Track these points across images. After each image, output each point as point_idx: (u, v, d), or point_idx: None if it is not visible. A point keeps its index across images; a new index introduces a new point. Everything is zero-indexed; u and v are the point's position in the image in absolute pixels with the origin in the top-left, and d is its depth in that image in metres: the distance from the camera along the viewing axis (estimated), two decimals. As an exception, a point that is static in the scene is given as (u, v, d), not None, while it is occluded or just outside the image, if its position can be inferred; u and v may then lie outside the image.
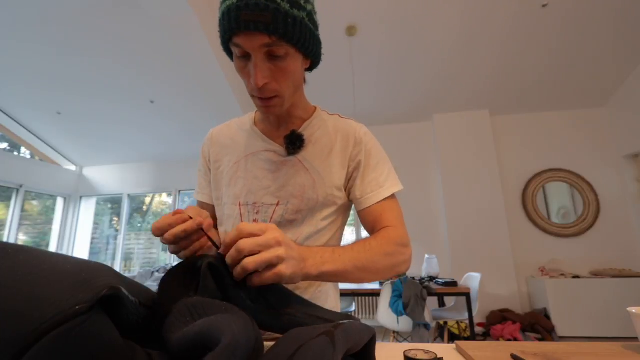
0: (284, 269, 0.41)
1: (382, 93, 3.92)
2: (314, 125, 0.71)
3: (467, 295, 2.46)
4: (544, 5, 2.86)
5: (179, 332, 0.29)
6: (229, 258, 0.40)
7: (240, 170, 0.69)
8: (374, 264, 0.57)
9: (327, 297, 0.71)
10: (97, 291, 0.24)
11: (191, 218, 0.47)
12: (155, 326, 0.32)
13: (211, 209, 0.76)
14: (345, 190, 0.70)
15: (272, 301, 0.42)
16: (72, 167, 5.39)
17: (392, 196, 0.69)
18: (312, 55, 0.60)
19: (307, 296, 0.66)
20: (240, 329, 0.29)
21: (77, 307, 0.22)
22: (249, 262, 0.39)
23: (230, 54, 0.59)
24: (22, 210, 4.59)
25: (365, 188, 0.67)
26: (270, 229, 0.43)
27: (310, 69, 0.66)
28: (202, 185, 0.77)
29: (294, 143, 0.66)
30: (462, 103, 4.04)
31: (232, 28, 0.51)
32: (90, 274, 0.26)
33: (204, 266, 0.39)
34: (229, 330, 0.27)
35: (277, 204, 0.66)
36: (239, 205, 0.68)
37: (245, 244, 0.40)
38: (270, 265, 0.41)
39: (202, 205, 0.78)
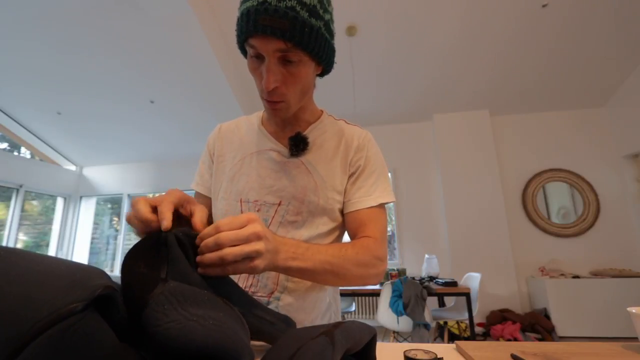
0: (259, 262, 0.42)
1: (382, 93, 3.92)
2: (320, 129, 0.72)
3: (467, 295, 2.47)
4: (544, 6, 2.86)
5: (173, 330, 0.28)
6: (204, 247, 0.40)
7: (244, 167, 0.70)
8: (344, 271, 0.56)
9: (325, 297, 0.71)
10: (92, 290, 0.24)
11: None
12: (131, 319, 0.30)
13: (208, 202, 0.75)
14: (344, 196, 0.70)
15: (222, 295, 0.42)
16: (72, 167, 5.39)
17: (380, 207, 0.68)
18: (325, 62, 0.62)
19: (309, 299, 0.66)
20: (248, 343, 0.29)
21: (72, 306, 0.22)
22: (228, 254, 0.39)
23: (245, 52, 0.60)
24: (22, 210, 4.59)
25: (354, 193, 0.67)
26: (252, 221, 0.42)
27: (322, 74, 0.67)
28: (205, 177, 0.77)
29: (298, 145, 0.67)
30: (462, 103, 4.04)
31: (249, 30, 0.51)
32: (84, 275, 0.26)
33: (172, 239, 0.38)
34: (246, 350, 0.27)
35: (279, 204, 0.66)
36: (241, 202, 0.68)
37: (225, 237, 0.39)
38: (247, 257, 0.41)
39: (199, 196, 0.77)
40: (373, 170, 0.69)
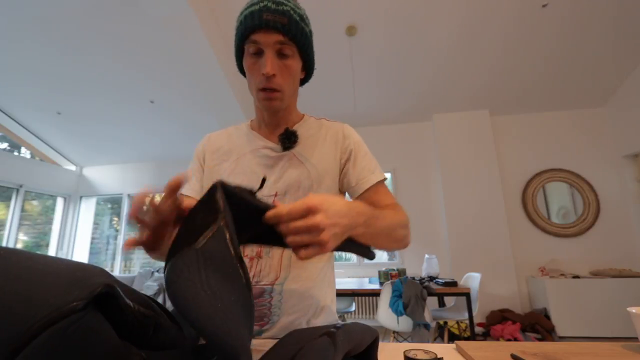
0: (327, 248, 0.42)
1: (382, 93, 3.92)
2: (305, 126, 0.79)
3: (467, 295, 2.46)
4: (544, 5, 2.86)
5: (184, 290, 0.30)
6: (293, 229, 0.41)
7: (239, 167, 0.75)
8: (395, 234, 0.62)
9: (325, 287, 0.74)
10: (92, 289, 0.24)
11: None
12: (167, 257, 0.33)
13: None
14: (339, 181, 0.75)
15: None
16: (72, 167, 5.38)
17: (382, 182, 0.75)
18: (308, 66, 0.71)
19: (311, 286, 0.69)
20: (247, 338, 0.29)
21: (72, 304, 0.22)
22: (293, 240, 0.41)
23: (240, 55, 0.69)
24: (22, 210, 4.58)
25: (359, 174, 0.74)
26: (312, 211, 0.42)
27: (302, 82, 0.75)
28: (192, 182, 0.80)
29: (290, 138, 0.73)
30: (462, 103, 4.03)
31: (254, 25, 0.61)
32: (84, 274, 0.26)
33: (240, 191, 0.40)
34: (241, 349, 0.28)
35: (275, 195, 0.71)
36: None
37: (289, 228, 0.41)
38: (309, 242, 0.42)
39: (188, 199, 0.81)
40: (365, 151, 0.77)
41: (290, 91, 0.69)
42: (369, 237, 0.55)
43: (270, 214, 0.41)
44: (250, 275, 0.67)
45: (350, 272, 4.10)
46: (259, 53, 0.63)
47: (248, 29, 0.62)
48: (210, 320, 0.28)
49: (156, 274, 4.23)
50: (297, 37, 0.63)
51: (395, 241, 0.64)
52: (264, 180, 0.45)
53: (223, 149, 0.79)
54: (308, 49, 0.67)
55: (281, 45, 0.62)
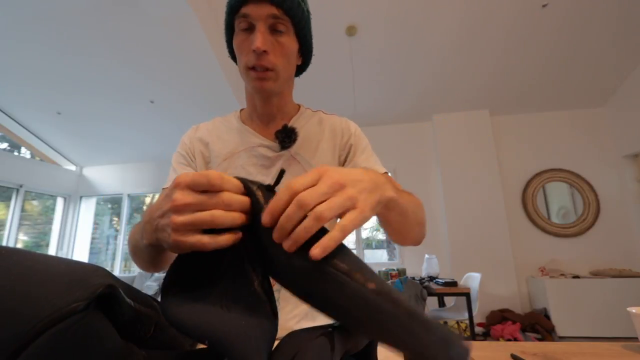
0: (363, 206, 0.33)
1: (382, 93, 3.92)
2: (302, 119, 0.72)
3: (467, 295, 2.46)
4: (544, 5, 2.86)
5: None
6: (286, 218, 0.30)
7: (230, 168, 0.67)
8: (418, 219, 0.53)
9: None
10: (94, 289, 0.24)
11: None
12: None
13: None
14: None
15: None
16: (72, 167, 5.38)
17: (386, 174, 0.70)
18: (305, 49, 0.65)
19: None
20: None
21: (73, 305, 0.22)
22: (324, 209, 0.30)
23: (230, 35, 0.63)
24: (22, 210, 4.58)
25: (361, 166, 0.68)
26: (324, 173, 0.33)
27: (298, 72, 0.69)
28: (186, 170, 0.70)
29: (290, 136, 0.66)
30: (462, 103, 4.03)
31: None
32: (85, 274, 0.26)
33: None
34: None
35: None
36: None
37: (307, 196, 0.30)
38: (345, 210, 0.32)
39: None
40: (365, 145, 0.72)
41: (285, 74, 0.62)
42: (404, 212, 0.45)
43: (280, 193, 0.31)
44: None
45: (350, 272, 4.10)
46: (249, 29, 0.57)
47: (238, 2, 0.56)
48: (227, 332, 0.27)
49: (156, 274, 4.23)
50: (293, 11, 0.56)
51: (419, 224, 0.54)
52: (282, 173, 0.36)
53: (212, 143, 0.71)
54: (305, 29, 0.61)
55: (274, 19, 0.56)
